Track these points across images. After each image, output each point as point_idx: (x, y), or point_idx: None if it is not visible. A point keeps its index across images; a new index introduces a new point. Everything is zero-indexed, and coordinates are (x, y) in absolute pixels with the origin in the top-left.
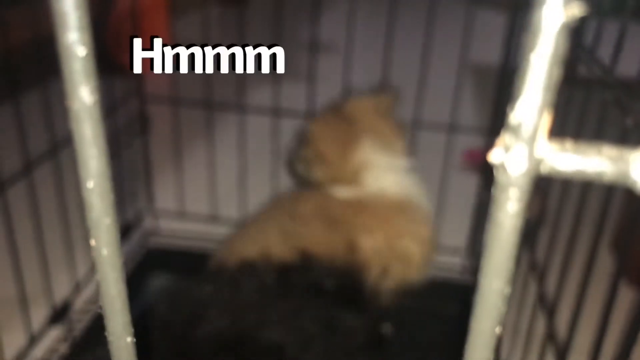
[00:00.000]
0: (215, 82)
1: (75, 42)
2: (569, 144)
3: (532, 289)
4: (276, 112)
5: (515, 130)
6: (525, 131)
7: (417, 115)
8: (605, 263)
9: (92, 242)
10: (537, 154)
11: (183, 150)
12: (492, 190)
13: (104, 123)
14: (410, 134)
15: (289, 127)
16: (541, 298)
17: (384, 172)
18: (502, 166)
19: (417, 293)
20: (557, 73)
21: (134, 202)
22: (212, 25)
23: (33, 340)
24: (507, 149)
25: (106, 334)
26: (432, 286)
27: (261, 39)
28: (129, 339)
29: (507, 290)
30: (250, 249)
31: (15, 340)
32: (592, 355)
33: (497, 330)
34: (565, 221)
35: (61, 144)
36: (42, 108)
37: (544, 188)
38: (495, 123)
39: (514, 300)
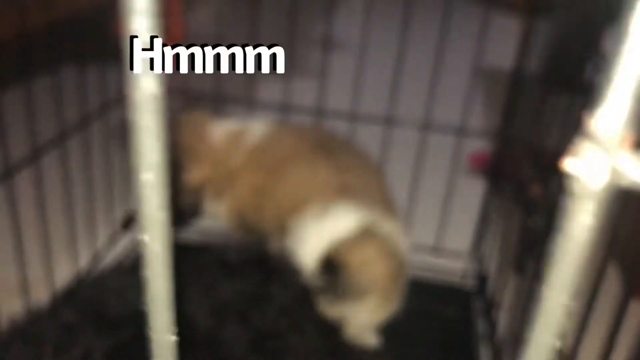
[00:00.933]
0: (225, 77)
1: (143, 28)
2: None
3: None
4: (286, 108)
5: (597, 140)
6: (609, 142)
7: (427, 117)
8: (611, 276)
9: (145, 238)
10: (619, 167)
11: None
12: (497, 195)
13: (115, 115)
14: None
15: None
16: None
17: None
18: (578, 177)
19: (418, 295)
20: None
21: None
22: (224, 19)
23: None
24: (585, 159)
25: (149, 330)
26: (434, 289)
27: (274, 35)
28: (172, 338)
29: (571, 305)
30: None
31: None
32: None
33: (557, 344)
34: None
35: (69, 132)
36: (53, 94)
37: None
38: (504, 128)
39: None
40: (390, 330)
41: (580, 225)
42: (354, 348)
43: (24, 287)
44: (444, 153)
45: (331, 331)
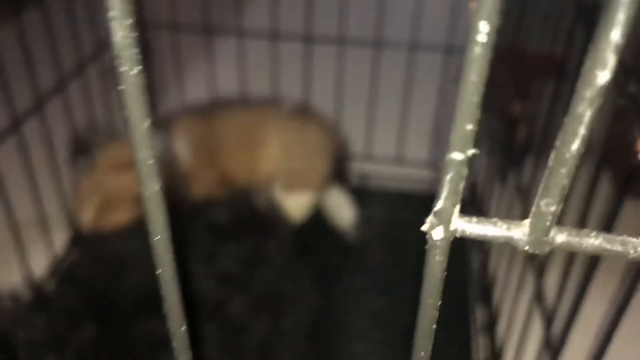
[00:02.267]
0: (212, 7)
1: None
2: (474, 218)
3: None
4: (274, 35)
5: (437, 215)
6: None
7: (414, 38)
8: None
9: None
10: (452, 228)
11: (184, 76)
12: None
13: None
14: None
15: (287, 50)
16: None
17: None
18: (430, 234)
19: (388, 204)
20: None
21: None
22: None
23: (55, 261)
24: (432, 226)
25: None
26: (424, 200)
27: None
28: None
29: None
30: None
31: (38, 262)
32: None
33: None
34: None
35: (69, 77)
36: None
37: (531, 116)
38: None
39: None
40: (390, 243)
41: (434, 261)
42: (348, 296)
43: (44, 226)
44: (432, 72)
45: (327, 281)
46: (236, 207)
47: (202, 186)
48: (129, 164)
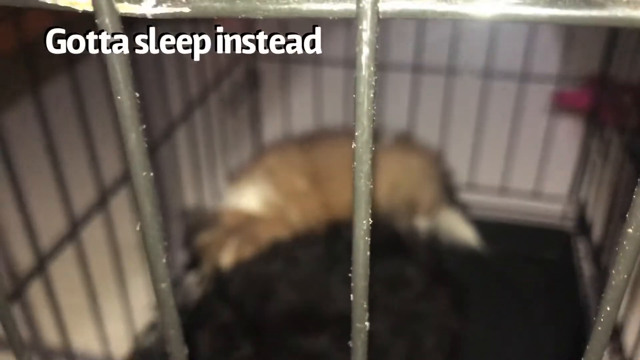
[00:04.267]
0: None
1: None
2: None
3: None
4: (383, 66)
5: None
6: None
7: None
8: None
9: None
10: None
11: (291, 105)
12: (596, 138)
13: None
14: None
15: (394, 81)
16: None
17: None
18: None
19: (518, 239)
20: None
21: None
22: None
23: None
24: None
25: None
26: (533, 231)
27: None
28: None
29: None
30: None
31: (57, 224)
32: None
33: None
34: None
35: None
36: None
37: None
38: (603, 69)
39: None
40: (493, 276)
41: None
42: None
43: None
44: (533, 99)
45: (462, 304)
46: (377, 229)
47: (307, 212)
48: (250, 218)
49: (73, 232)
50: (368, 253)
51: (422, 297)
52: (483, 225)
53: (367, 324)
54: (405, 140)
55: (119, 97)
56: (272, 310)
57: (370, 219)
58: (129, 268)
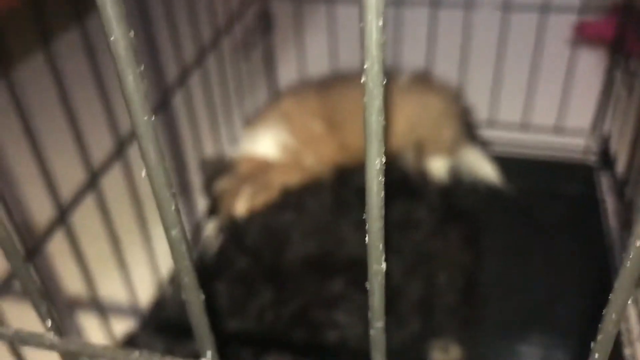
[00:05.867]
0: None
1: None
2: None
3: None
4: (400, 1)
5: None
6: None
7: None
8: None
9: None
10: None
11: (306, 47)
12: (620, 69)
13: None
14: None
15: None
16: None
17: None
18: None
19: (541, 175)
20: None
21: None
22: None
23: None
24: None
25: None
26: (555, 167)
27: None
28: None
29: None
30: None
31: (76, 175)
32: None
33: None
34: None
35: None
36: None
37: None
38: None
39: None
40: (515, 213)
41: None
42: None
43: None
44: (557, 30)
45: (475, 240)
46: (386, 170)
47: (323, 156)
48: (265, 164)
49: (92, 182)
50: (382, 194)
51: (433, 236)
52: (505, 162)
53: (383, 265)
54: (424, 79)
55: (112, 38)
56: (288, 258)
57: (384, 158)
58: (151, 216)
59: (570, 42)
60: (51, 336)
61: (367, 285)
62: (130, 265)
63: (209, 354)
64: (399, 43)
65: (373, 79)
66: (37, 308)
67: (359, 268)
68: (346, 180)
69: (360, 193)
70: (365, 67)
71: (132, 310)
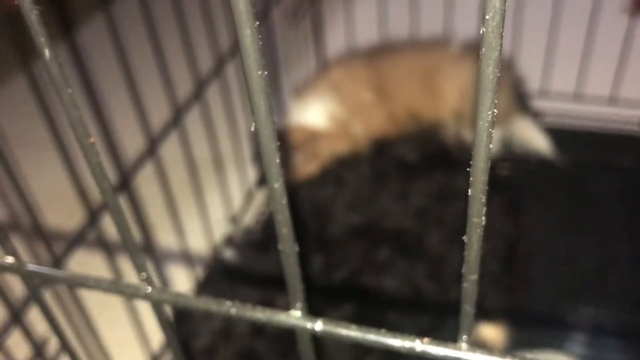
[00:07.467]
0: None
1: None
2: None
3: None
4: None
5: None
6: None
7: None
8: None
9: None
10: None
11: (355, 15)
12: None
13: None
14: None
15: None
16: None
17: None
18: None
19: (593, 145)
20: None
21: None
22: None
23: (153, 141)
24: None
25: None
26: (609, 138)
27: None
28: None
29: None
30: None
31: (136, 142)
32: None
33: None
34: None
35: None
36: None
37: None
38: None
39: None
40: (567, 185)
41: None
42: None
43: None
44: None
45: (517, 209)
46: (423, 143)
47: (371, 126)
48: (314, 134)
49: (152, 148)
50: (491, 145)
51: None
52: (557, 133)
53: (483, 218)
54: (475, 48)
55: None
56: (333, 229)
57: (495, 110)
58: (205, 183)
59: (628, 11)
60: (145, 287)
61: (465, 238)
62: (187, 230)
63: (298, 305)
64: (450, 12)
65: (493, 31)
66: (133, 260)
67: (403, 237)
68: (384, 152)
69: (399, 165)
70: (486, 17)
71: (187, 271)
